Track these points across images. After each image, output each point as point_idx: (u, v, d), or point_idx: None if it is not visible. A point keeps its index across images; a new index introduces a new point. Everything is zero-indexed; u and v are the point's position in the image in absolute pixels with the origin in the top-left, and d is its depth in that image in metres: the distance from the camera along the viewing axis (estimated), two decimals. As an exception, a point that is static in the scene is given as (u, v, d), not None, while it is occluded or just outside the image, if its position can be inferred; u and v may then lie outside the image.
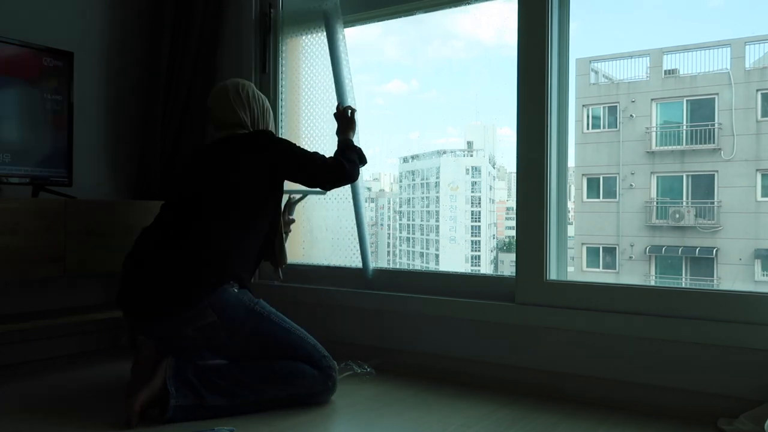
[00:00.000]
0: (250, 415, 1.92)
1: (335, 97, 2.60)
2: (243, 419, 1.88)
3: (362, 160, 2.36)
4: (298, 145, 2.25)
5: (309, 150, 2.26)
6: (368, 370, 2.41)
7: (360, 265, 2.66)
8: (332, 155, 2.30)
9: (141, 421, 1.83)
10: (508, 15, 2.34)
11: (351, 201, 2.65)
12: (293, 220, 2.52)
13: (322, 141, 2.72)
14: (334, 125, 2.49)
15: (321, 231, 2.82)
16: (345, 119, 2.44)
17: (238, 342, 2.01)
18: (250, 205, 2.12)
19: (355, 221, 2.64)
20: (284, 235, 2.42)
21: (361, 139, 2.59)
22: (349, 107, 2.47)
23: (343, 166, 2.25)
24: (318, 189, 2.46)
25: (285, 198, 2.45)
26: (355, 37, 2.66)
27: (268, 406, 1.98)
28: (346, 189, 2.66)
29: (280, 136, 2.57)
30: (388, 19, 2.77)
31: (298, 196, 2.58)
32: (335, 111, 2.48)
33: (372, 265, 2.64)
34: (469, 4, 2.50)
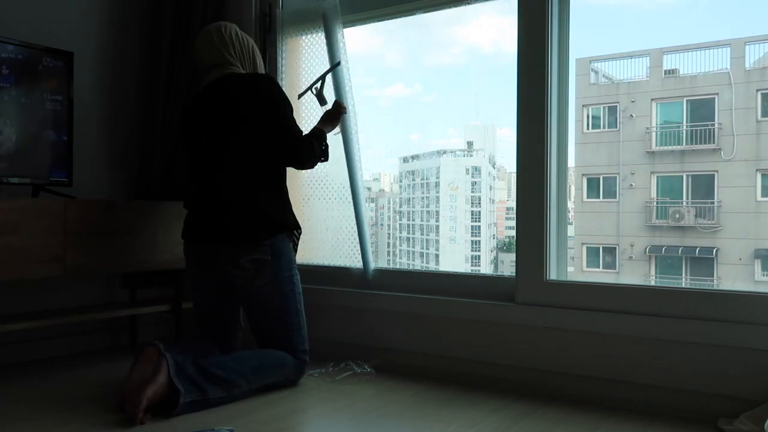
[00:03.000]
0: (250, 416, 1.93)
1: (334, 97, 2.60)
2: (244, 420, 1.89)
3: (324, 156, 2.34)
4: (288, 102, 2.28)
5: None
6: (368, 370, 2.40)
7: (360, 265, 2.66)
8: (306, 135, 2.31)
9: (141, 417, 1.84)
10: (507, 21, 2.36)
11: (351, 201, 2.65)
12: (337, 112, 2.48)
13: (322, 141, 2.71)
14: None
15: (321, 231, 2.82)
16: (334, 112, 2.46)
17: (271, 289, 2.22)
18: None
19: (355, 221, 2.64)
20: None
21: (362, 139, 2.59)
22: (343, 106, 2.48)
23: (318, 153, 2.28)
24: (337, 63, 2.57)
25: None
26: (358, 42, 2.66)
27: (255, 393, 2.12)
28: (346, 189, 2.66)
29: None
30: (387, 19, 2.77)
31: (318, 84, 2.56)
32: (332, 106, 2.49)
33: (373, 265, 2.65)
34: (468, 4, 2.50)
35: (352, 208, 2.64)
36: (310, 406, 2.09)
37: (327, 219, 2.79)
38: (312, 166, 2.33)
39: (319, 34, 2.70)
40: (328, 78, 2.59)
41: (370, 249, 2.64)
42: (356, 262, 2.68)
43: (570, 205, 5.29)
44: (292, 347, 2.25)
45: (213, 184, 2.25)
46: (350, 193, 2.63)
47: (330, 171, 2.72)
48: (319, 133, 2.34)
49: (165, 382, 1.90)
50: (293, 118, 2.27)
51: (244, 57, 2.34)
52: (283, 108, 2.25)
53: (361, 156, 2.62)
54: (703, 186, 5.49)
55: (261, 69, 2.41)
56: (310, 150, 2.26)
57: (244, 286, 2.23)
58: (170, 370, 1.91)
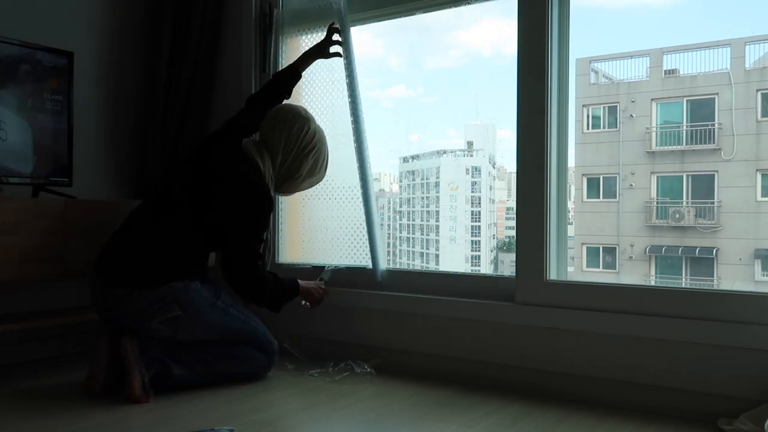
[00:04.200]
0: (250, 416, 1.93)
1: (340, 95, 2.60)
2: (244, 420, 1.89)
3: (271, 306, 2.34)
4: (263, 224, 2.26)
5: (259, 241, 2.24)
6: (368, 370, 2.41)
7: (362, 264, 2.63)
8: (271, 273, 2.34)
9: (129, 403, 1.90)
10: (506, 23, 2.35)
11: (351, 201, 2.64)
12: (324, 291, 2.53)
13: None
14: (333, 125, 2.48)
15: (321, 231, 2.81)
16: (316, 293, 2.49)
17: (201, 332, 2.21)
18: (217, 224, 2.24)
19: (365, 220, 2.57)
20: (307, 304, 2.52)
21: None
22: (324, 287, 2.53)
23: (259, 291, 2.27)
24: (361, 264, 2.61)
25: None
26: (359, 44, 2.65)
27: (224, 379, 2.23)
28: (347, 189, 2.66)
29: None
30: (387, 19, 2.76)
31: (332, 267, 2.65)
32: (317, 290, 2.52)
33: (383, 267, 2.58)
34: (468, 3, 2.49)
35: (353, 208, 2.63)
36: (310, 406, 2.09)
37: (327, 219, 2.78)
38: (244, 295, 2.30)
39: (320, 34, 2.69)
40: (329, 78, 2.58)
41: (379, 250, 2.57)
42: (357, 262, 2.67)
43: (570, 205, 5.29)
44: (259, 347, 2.31)
45: (145, 227, 2.21)
46: (352, 193, 2.62)
47: (331, 172, 2.71)
48: (291, 290, 2.37)
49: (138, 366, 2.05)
50: (256, 240, 2.24)
51: (288, 151, 2.34)
52: (254, 226, 2.23)
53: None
54: (703, 186, 5.48)
55: (300, 181, 2.41)
56: (255, 285, 2.25)
57: (171, 339, 2.17)
58: (135, 353, 2.04)
